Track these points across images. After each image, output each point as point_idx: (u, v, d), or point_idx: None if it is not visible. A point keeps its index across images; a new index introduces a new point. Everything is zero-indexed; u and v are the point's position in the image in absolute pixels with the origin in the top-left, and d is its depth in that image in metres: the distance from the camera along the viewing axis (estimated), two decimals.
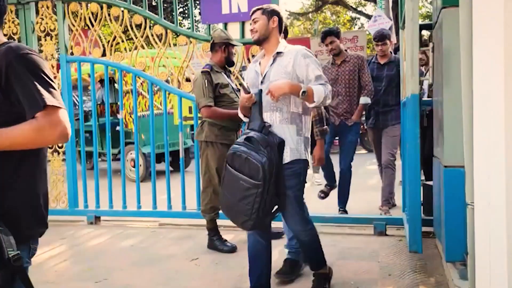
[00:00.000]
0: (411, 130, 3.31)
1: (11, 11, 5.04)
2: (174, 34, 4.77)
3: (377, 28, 7.24)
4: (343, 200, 4.64)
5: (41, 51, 5.10)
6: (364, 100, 4.56)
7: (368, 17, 16.99)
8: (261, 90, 2.69)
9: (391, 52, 4.94)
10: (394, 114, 4.73)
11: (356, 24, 23.78)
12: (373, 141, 5.11)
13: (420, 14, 17.59)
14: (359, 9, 21.26)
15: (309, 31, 22.74)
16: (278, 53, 2.73)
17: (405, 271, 3.25)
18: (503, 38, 1.61)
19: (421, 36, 3.88)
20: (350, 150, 4.62)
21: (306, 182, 2.82)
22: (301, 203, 2.73)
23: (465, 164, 2.40)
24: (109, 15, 4.74)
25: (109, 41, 4.77)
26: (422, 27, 3.92)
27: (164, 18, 4.76)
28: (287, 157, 2.64)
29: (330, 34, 4.55)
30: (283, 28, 2.85)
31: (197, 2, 5.71)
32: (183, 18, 18.99)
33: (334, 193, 5.73)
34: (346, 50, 4.67)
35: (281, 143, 2.61)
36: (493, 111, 1.71)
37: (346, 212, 4.59)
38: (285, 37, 3.41)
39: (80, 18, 4.82)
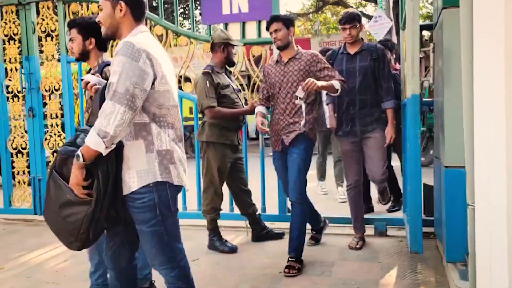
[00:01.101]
0: (412, 130, 3.31)
1: (12, 12, 5.05)
2: (174, 34, 4.77)
3: (378, 28, 7.17)
4: (296, 245, 3.40)
5: (41, 52, 5.11)
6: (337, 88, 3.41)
7: (369, 17, 16.97)
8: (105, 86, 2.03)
9: (362, 39, 3.85)
10: (376, 118, 3.70)
11: None
12: (344, 153, 3.86)
13: (421, 15, 17.59)
14: (359, 9, 21.25)
15: (309, 32, 22.76)
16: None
17: (405, 271, 3.25)
18: (504, 38, 1.61)
19: (421, 36, 3.88)
20: (297, 172, 3.34)
21: (171, 210, 2.09)
22: (162, 238, 2.06)
23: (465, 165, 2.40)
24: None
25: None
26: (422, 27, 3.92)
27: (165, 19, 4.76)
28: (134, 184, 1.99)
29: (276, 20, 3.46)
30: (142, 9, 2.11)
31: (198, 2, 5.71)
32: (184, 18, 19.01)
33: (332, 193, 5.73)
34: (297, 46, 3.56)
35: (121, 148, 2.01)
36: (494, 111, 1.70)
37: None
38: None
39: None
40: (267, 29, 3.54)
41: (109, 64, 2.63)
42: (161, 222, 2.05)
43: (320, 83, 3.28)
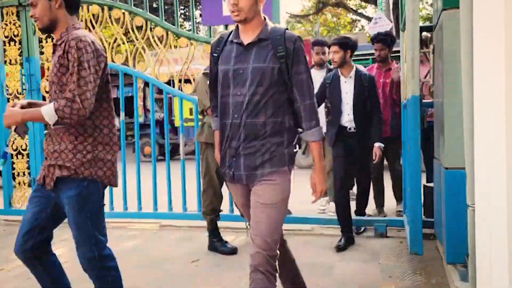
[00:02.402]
0: (412, 132, 3.31)
1: (12, 13, 5.05)
2: (175, 36, 4.78)
3: (378, 29, 7.16)
4: None
5: (42, 53, 5.11)
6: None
7: (369, 19, 17.01)
8: None
9: (265, 19, 2.18)
10: (273, 154, 2.15)
11: (356, 26, 23.84)
12: (238, 204, 2.43)
13: (421, 16, 17.60)
14: (359, 11, 21.29)
15: (309, 33, 22.77)
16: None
17: (405, 273, 3.25)
18: (504, 37, 1.61)
19: (421, 38, 3.87)
20: (76, 230, 2.36)
21: None
22: None
23: (465, 166, 2.40)
24: (110, 17, 4.75)
25: (110, 43, 4.78)
26: (422, 29, 3.92)
27: (165, 20, 4.77)
28: None
29: None
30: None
31: (198, 3, 5.71)
32: (184, 20, 19.02)
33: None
34: (75, 25, 2.23)
35: None
36: (494, 112, 1.71)
37: None
38: None
39: (81, 20, 4.83)
40: None
41: None
42: None
43: (28, 114, 2.16)
